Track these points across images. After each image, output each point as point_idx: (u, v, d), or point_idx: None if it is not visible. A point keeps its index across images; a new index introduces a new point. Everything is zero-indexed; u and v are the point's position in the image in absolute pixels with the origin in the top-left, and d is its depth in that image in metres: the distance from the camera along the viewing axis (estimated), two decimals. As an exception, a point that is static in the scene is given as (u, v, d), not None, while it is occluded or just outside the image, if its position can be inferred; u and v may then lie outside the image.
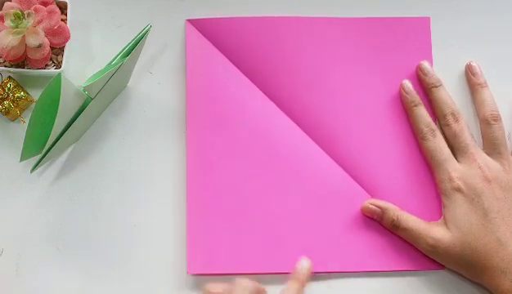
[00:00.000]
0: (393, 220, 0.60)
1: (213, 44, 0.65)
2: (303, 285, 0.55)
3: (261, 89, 0.64)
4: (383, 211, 0.61)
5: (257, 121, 0.63)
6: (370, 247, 0.61)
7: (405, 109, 0.64)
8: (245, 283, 0.53)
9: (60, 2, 0.61)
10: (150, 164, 0.63)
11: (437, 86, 0.63)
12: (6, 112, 0.61)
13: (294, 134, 0.63)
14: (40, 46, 0.58)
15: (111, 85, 0.59)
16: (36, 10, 0.59)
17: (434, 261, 0.61)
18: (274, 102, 0.64)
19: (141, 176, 0.62)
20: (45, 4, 0.59)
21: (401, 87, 0.64)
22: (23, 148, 0.56)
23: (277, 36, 0.64)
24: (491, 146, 0.61)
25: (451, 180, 0.60)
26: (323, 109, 0.64)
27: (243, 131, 0.63)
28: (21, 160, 0.57)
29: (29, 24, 0.58)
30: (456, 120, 0.62)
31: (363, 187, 0.63)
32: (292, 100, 0.64)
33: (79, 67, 0.64)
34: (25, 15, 0.58)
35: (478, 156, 0.61)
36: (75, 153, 0.63)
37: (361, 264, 0.61)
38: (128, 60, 0.57)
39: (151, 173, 0.63)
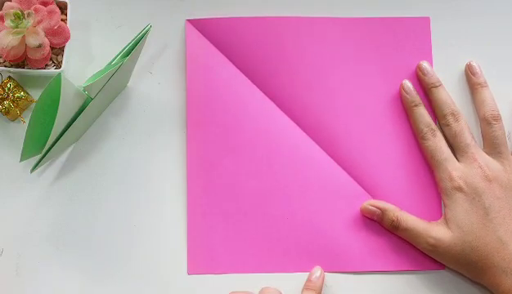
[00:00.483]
0: (393, 220, 0.60)
1: (213, 44, 0.65)
2: (319, 292, 0.58)
3: (261, 89, 0.64)
4: (382, 211, 0.61)
5: (257, 121, 0.63)
6: (370, 247, 0.61)
7: (405, 108, 0.64)
8: (271, 292, 0.55)
9: (60, 2, 0.61)
10: (150, 164, 0.63)
11: (436, 87, 0.63)
12: (6, 112, 0.61)
13: (294, 134, 0.63)
14: (40, 46, 0.58)
15: (111, 85, 0.59)
16: (36, 10, 0.59)
17: (434, 261, 0.61)
18: (274, 102, 0.64)
19: (141, 176, 0.62)
20: (45, 4, 0.59)
21: (402, 87, 0.64)
22: (23, 148, 0.56)
23: (277, 36, 0.64)
24: (492, 146, 0.61)
25: (451, 179, 0.60)
26: (323, 108, 0.64)
27: (243, 131, 0.63)
28: (21, 160, 0.57)
29: (29, 24, 0.58)
30: (456, 120, 0.62)
31: (363, 187, 0.63)
32: (292, 99, 0.64)
33: (79, 67, 0.64)
34: (25, 15, 0.58)
35: (478, 156, 0.61)
36: (75, 153, 0.63)
37: (361, 264, 0.61)
38: (128, 60, 0.57)
39: (151, 173, 0.63)
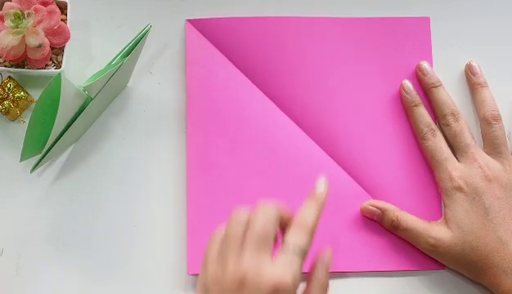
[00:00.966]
0: (393, 220, 0.60)
1: (213, 44, 0.65)
2: (323, 207, 0.52)
3: (261, 89, 0.64)
4: (382, 212, 0.61)
5: (257, 121, 0.63)
6: (370, 247, 0.61)
7: (405, 108, 0.64)
8: (269, 209, 0.50)
9: (60, 2, 0.61)
10: (150, 164, 0.63)
11: (436, 87, 0.63)
12: (6, 112, 0.61)
13: (294, 134, 0.63)
14: (40, 46, 0.58)
15: (111, 85, 0.59)
16: (36, 10, 0.59)
17: (435, 261, 0.61)
18: (274, 102, 0.64)
19: (141, 176, 0.62)
20: (45, 4, 0.59)
21: (402, 87, 0.64)
22: (23, 148, 0.56)
23: (277, 36, 0.64)
24: (492, 146, 0.61)
25: (451, 179, 0.60)
26: (323, 108, 0.64)
27: (243, 131, 0.63)
28: (21, 160, 0.57)
29: (29, 24, 0.58)
30: (456, 120, 0.62)
31: (363, 187, 0.63)
32: (292, 100, 0.64)
33: (79, 67, 0.64)
34: (25, 15, 0.58)
35: (478, 155, 0.61)
36: (75, 153, 0.63)
37: (361, 264, 0.61)
38: (128, 60, 0.57)
39: (151, 173, 0.63)
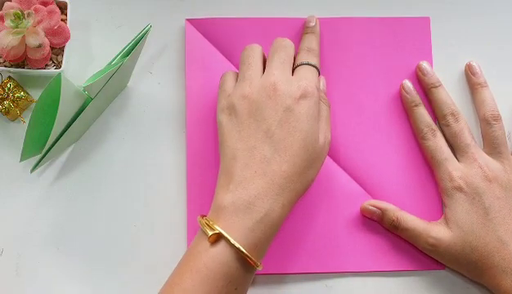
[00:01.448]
0: (393, 220, 0.60)
1: (213, 44, 0.65)
2: (319, 37, 0.63)
3: (261, 89, 0.64)
4: (382, 212, 0.61)
5: (257, 121, 0.63)
6: (370, 247, 0.61)
7: (405, 108, 0.64)
8: (287, 42, 0.59)
9: (60, 2, 0.61)
10: (150, 164, 0.63)
11: (436, 87, 0.63)
12: (6, 112, 0.61)
13: (294, 134, 0.63)
14: (40, 46, 0.58)
15: (111, 85, 0.59)
16: (36, 10, 0.59)
17: (435, 261, 0.61)
18: (274, 102, 0.64)
19: (141, 176, 0.62)
20: (45, 4, 0.59)
21: (402, 87, 0.64)
22: (23, 148, 0.56)
23: (277, 36, 0.64)
24: (492, 146, 0.61)
25: (451, 179, 0.60)
26: (323, 108, 0.64)
27: (243, 131, 0.63)
28: (21, 160, 0.57)
29: (29, 24, 0.58)
30: (456, 120, 0.62)
31: (363, 187, 0.63)
32: (292, 99, 0.64)
33: (79, 67, 0.64)
34: (25, 15, 0.58)
35: (478, 156, 0.61)
36: (75, 153, 0.63)
37: (361, 264, 0.61)
38: (128, 60, 0.57)
39: (151, 173, 0.63)
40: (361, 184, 0.63)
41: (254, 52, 0.58)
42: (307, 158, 0.54)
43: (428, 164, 0.63)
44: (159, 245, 0.61)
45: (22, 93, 0.61)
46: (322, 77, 0.61)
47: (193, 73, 0.64)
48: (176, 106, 0.64)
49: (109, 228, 0.62)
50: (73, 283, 0.61)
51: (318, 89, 0.57)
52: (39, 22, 0.59)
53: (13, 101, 0.61)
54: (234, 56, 0.64)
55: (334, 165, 0.63)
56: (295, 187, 0.53)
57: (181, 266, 0.52)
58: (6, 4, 0.59)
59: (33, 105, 0.62)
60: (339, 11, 0.66)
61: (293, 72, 0.58)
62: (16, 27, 0.58)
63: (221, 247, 0.51)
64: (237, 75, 0.59)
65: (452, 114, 0.62)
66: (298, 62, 0.59)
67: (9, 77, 0.62)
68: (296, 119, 0.54)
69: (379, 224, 0.62)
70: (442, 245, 0.58)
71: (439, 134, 0.62)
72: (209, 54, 0.64)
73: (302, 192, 0.55)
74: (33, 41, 0.58)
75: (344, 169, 0.63)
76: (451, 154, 0.61)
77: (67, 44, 0.60)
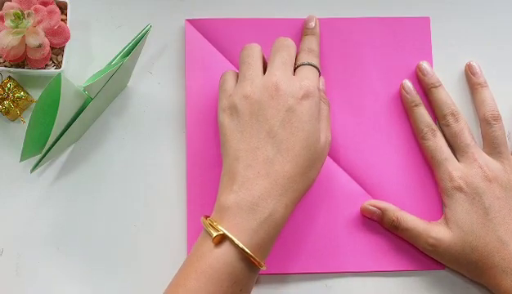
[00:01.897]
0: (393, 220, 0.60)
1: (213, 44, 0.65)
2: (319, 38, 0.64)
3: (261, 89, 0.64)
4: (382, 212, 0.61)
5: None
6: (370, 247, 0.61)
7: (405, 108, 0.64)
8: (289, 42, 0.60)
9: (60, 2, 0.61)
10: (150, 164, 0.63)
11: (436, 87, 0.63)
12: (6, 112, 0.61)
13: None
14: (40, 46, 0.58)
15: (111, 85, 0.59)
16: (36, 10, 0.59)
17: (434, 261, 0.61)
18: (274, 102, 0.64)
19: (141, 176, 0.62)
20: (45, 4, 0.59)
21: (402, 87, 0.64)
22: (23, 148, 0.56)
23: (277, 36, 0.64)
24: (492, 146, 0.61)
25: (451, 179, 0.60)
26: (323, 108, 0.64)
27: (243, 131, 0.63)
28: (21, 160, 0.57)
29: (29, 24, 0.58)
30: (456, 120, 0.62)
31: (363, 187, 0.63)
32: (292, 99, 0.64)
33: (79, 67, 0.64)
34: (25, 15, 0.58)
35: (478, 156, 0.61)
36: (75, 153, 0.63)
37: (361, 264, 0.61)
38: (128, 60, 0.57)
39: (151, 173, 0.63)
40: (361, 184, 0.63)
41: (253, 51, 0.58)
42: (309, 158, 0.54)
43: (428, 164, 0.63)
44: (159, 245, 0.61)
45: (22, 93, 0.61)
46: (321, 78, 0.61)
47: (193, 73, 0.64)
48: (176, 106, 0.64)
49: (109, 228, 0.62)
50: (73, 283, 0.61)
51: (319, 89, 0.57)
52: (39, 22, 0.59)
53: (13, 101, 0.61)
54: (234, 56, 0.64)
55: (335, 165, 0.63)
56: (298, 187, 0.54)
57: (186, 267, 0.52)
58: (6, 4, 0.59)
59: (33, 105, 0.62)
60: (339, 11, 0.66)
61: (294, 71, 0.58)
62: (16, 27, 0.58)
63: (225, 247, 0.51)
64: (237, 75, 0.59)
65: (452, 114, 0.62)
66: (299, 62, 0.59)
67: (9, 77, 0.62)
68: (298, 119, 0.54)
69: (379, 225, 0.62)
70: (442, 245, 0.58)
71: (439, 134, 0.62)
72: (209, 54, 0.64)
73: (304, 191, 0.55)
74: (33, 41, 0.58)
75: (344, 169, 0.63)
76: (451, 154, 0.61)
77: (67, 44, 0.60)
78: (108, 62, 0.60)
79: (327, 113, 0.58)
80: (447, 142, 0.62)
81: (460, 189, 0.59)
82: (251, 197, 0.52)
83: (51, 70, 0.60)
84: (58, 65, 0.61)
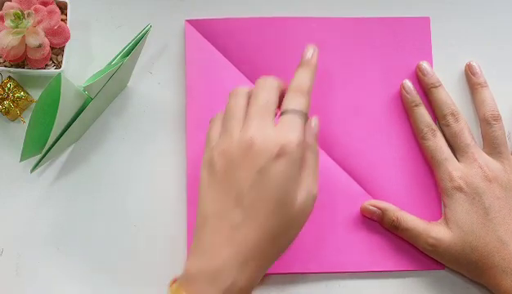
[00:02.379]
0: (393, 220, 0.60)
1: (213, 44, 0.65)
2: (315, 71, 0.55)
3: (261, 89, 0.64)
4: (382, 212, 0.61)
5: (257, 121, 0.63)
6: (370, 247, 0.61)
7: (405, 108, 0.64)
8: (270, 80, 0.53)
9: (60, 2, 0.61)
10: (150, 164, 0.63)
11: (436, 87, 0.63)
12: (6, 112, 0.61)
13: (294, 134, 0.63)
14: (40, 46, 0.58)
15: (111, 85, 0.59)
16: (36, 10, 0.59)
17: (434, 261, 0.61)
18: (274, 102, 0.64)
19: (141, 176, 0.62)
20: (45, 4, 0.59)
21: (402, 87, 0.64)
22: (23, 148, 0.56)
23: (277, 36, 0.64)
24: (492, 146, 0.61)
25: (451, 179, 0.60)
26: (323, 108, 0.64)
27: (243, 131, 0.63)
28: (21, 160, 0.57)
29: (29, 24, 0.58)
30: (456, 120, 0.62)
31: (363, 187, 0.63)
32: (292, 100, 0.64)
33: (79, 67, 0.64)
34: (25, 15, 0.58)
35: (478, 156, 0.61)
36: (75, 153, 0.63)
37: (361, 264, 0.61)
38: (128, 60, 0.57)
39: (151, 173, 0.63)
40: (361, 184, 0.63)
41: (239, 99, 0.53)
42: (280, 225, 0.50)
43: (429, 164, 0.63)
44: (159, 245, 0.61)
45: (22, 93, 0.61)
46: (314, 118, 0.54)
47: (193, 73, 0.64)
48: (176, 106, 0.64)
49: (109, 228, 0.62)
50: (73, 283, 0.61)
51: (301, 143, 0.50)
52: (39, 22, 0.59)
53: (13, 101, 0.61)
54: (234, 56, 0.64)
55: (334, 165, 0.63)
56: (265, 255, 0.50)
57: None
58: (6, 4, 0.59)
59: (33, 105, 0.62)
60: (339, 11, 0.66)
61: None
62: (16, 27, 0.58)
63: None
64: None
65: (452, 114, 0.62)
66: (283, 108, 0.52)
67: (9, 77, 0.62)
68: (270, 181, 0.49)
69: (379, 225, 0.62)
70: (442, 245, 0.58)
71: (439, 134, 0.62)
72: (209, 54, 0.64)
73: (274, 259, 0.51)
74: (33, 41, 0.58)
75: (344, 169, 0.63)
76: (451, 154, 0.61)
77: (67, 44, 0.60)
78: (108, 62, 0.60)
79: (314, 164, 0.52)
80: (447, 142, 0.62)
81: (460, 189, 0.59)
82: (214, 265, 0.49)
83: (51, 70, 0.60)
84: (58, 65, 0.61)
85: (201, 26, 0.65)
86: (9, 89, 0.61)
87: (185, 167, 0.63)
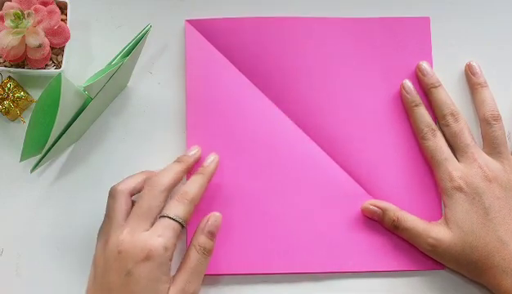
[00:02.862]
0: (394, 220, 0.60)
1: (213, 44, 0.64)
2: (207, 179, 0.59)
3: (261, 89, 0.64)
4: (383, 211, 0.61)
5: (257, 121, 0.63)
6: (370, 247, 0.61)
7: (405, 108, 0.64)
8: (159, 185, 0.56)
9: (60, 2, 0.61)
10: (150, 164, 0.62)
11: (436, 87, 0.63)
12: (6, 112, 0.61)
13: (294, 134, 0.63)
14: (40, 46, 0.58)
15: (111, 85, 0.59)
16: (36, 10, 0.59)
17: (434, 261, 0.61)
18: (274, 102, 0.64)
19: (141, 176, 0.62)
20: (45, 4, 0.59)
21: (402, 87, 0.64)
22: (23, 148, 0.56)
23: (277, 36, 0.64)
24: (492, 146, 0.61)
25: (451, 179, 0.60)
26: (323, 108, 0.64)
27: (243, 131, 0.63)
28: (21, 160, 0.57)
29: (29, 24, 0.58)
30: (456, 120, 0.62)
31: (363, 187, 0.63)
32: (292, 100, 0.64)
33: (79, 67, 0.64)
34: (25, 15, 0.58)
35: (478, 156, 0.61)
36: (75, 153, 0.63)
37: (361, 264, 0.61)
38: (128, 60, 0.57)
39: (151, 173, 0.63)
40: (361, 184, 0.63)
41: (114, 202, 0.56)
42: None
43: (429, 164, 0.63)
44: (159, 245, 0.61)
45: (22, 93, 0.61)
46: (213, 215, 0.57)
47: (193, 73, 0.64)
48: (176, 106, 0.64)
49: (109, 228, 0.61)
50: (73, 283, 0.61)
51: (170, 247, 0.53)
52: (39, 22, 0.59)
53: (13, 101, 0.61)
54: (234, 56, 0.64)
55: (335, 165, 0.63)
56: None
57: None
58: (6, 4, 0.59)
59: (33, 105, 0.62)
60: (339, 10, 0.66)
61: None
62: (16, 27, 0.58)
63: None
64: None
65: (452, 114, 0.62)
66: (162, 212, 0.55)
67: (9, 77, 0.62)
68: (135, 283, 0.52)
69: (379, 224, 0.62)
70: (442, 245, 0.58)
71: (439, 134, 0.62)
72: (209, 54, 0.64)
73: None
74: (33, 41, 0.58)
75: (344, 169, 0.63)
76: (451, 154, 0.61)
77: (67, 44, 0.60)
78: (108, 62, 0.60)
79: (197, 264, 0.55)
80: (447, 142, 0.62)
81: (460, 189, 0.59)
82: None
83: (51, 70, 0.60)
84: (58, 65, 0.61)
85: (201, 26, 0.65)
86: (9, 89, 0.61)
87: (185, 167, 0.63)
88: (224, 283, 0.61)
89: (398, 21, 0.66)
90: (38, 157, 0.58)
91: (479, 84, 0.64)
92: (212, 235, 0.57)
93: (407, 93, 0.63)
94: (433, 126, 0.62)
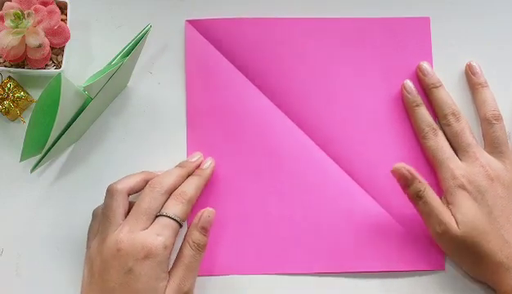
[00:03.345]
0: (420, 190, 0.58)
1: (213, 44, 0.65)
2: (204, 182, 0.60)
3: (260, 89, 0.64)
4: (413, 178, 0.59)
5: (257, 121, 0.63)
6: (370, 247, 0.61)
7: (406, 108, 0.64)
8: (160, 188, 0.57)
9: (60, 2, 0.61)
10: (150, 164, 0.63)
11: (437, 87, 0.63)
12: (6, 112, 0.61)
13: (294, 134, 0.63)
14: (40, 46, 0.58)
15: (111, 85, 0.59)
16: (36, 10, 0.59)
17: (435, 261, 0.61)
18: (274, 102, 0.64)
19: (141, 176, 0.62)
20: (45, 4, 0.59)
21: (403, 87, 0.64)
22: (23, 148, 0.56)
23: (277, 37, 0.65)
24: (493, 145, 0.61)
25: (454, 177, 0.60)
26: (323, 109, 0.64)
27: (243, 131, 0.63)
28: (21, 160, 0.57)
29: (29, 24, 0.58)
30: (457, 120, 0.62)
31: (363, 187, 0.63)
32: (292, 100, 0.64)
33: (79, 67, 0.64)
34: (25, 15, 0.58)
35: (480, 155, 0.61)
36: (75, 153, 0.63)
37: (360, 264, 0.61)
38: (128, 60, 0.57)
39: (151, 173, 0.63)
40: (361, 185, 0.63)
41: (112, 201, 0.57)
42: None
43: (430, 164, 0.63)
44: (159, 245, 0.61)
45: (22, 93, 0.61)
46: (206, 210, 0.57)
47: (193, 73, 0.64)
48: (176, 106, 0.64)
49: (109, 228, 0.61)
50: (72, 283, 0.61)
51: (168, 246, 0.54)
52: (39, 22, 0.59)
53: (13, 101, 0.61)
54: (234, 56, 0.64)
55: (335, 165, 0.63)
56: None
57: None
58: (6, 4, 0.59)
59: (33, 105, 0.62)
60: (339, 11, 0.66)
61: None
62: (16, 27, 0.58)
63: None
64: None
65: (453, 114, 0.62)
66: (160, 211, 0.56)
67: (9, 77, 0.62)
68: (136, 280, 0.53)
69: (379, 225, 0.62)
70: (449, 233, 0.57)
71: (440, 133, 0.62)
72: (209, 54, 0.64)
73: None
74: (33, 41, 0.58)
75: (344, 169, 0.63)
76: (453, 153, 0.61)
77: (67, 44, 0.60)
78: (108, 62, 0.60)
79: (190, 260, 0.56)
80: (449, 142, 0.62)
81: (463, 187, 0.59)
82: None
83: (51, 70, 0.60)
84: (58, 65, 0.61)
85: (201, 26, 0.65)
86: (9, 89, 0.61)
87: (185, 167, 0.63)
88: (224, 284, 0.61)
89: (398, 21, 0.66)
90: (38, 157, 0.58)
91: (480, 84, 0.64)
92: (205, 230, 0.57)
93: (408, 93, 0.63)
94: (435, 125, 0.62)
